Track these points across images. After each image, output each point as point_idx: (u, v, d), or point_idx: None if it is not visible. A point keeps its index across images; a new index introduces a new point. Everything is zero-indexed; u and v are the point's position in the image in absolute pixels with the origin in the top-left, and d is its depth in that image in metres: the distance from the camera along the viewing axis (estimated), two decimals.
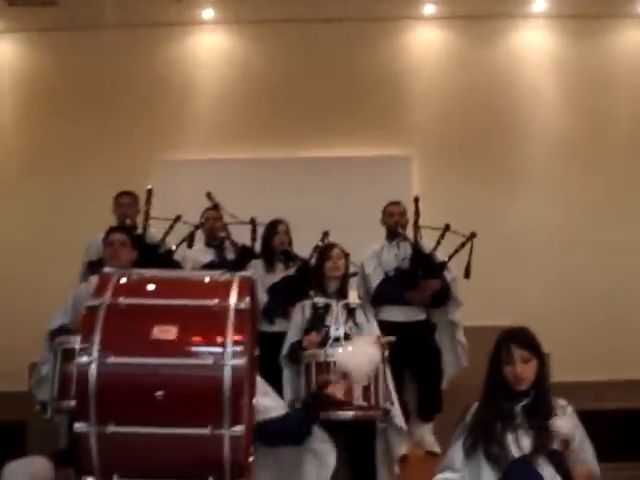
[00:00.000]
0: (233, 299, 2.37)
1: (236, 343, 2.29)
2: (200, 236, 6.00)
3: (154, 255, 5.30)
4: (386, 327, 4.73)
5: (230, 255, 5.83)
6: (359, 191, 7.55)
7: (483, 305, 5.88)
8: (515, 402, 3.00)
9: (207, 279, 2.62)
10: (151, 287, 2.53)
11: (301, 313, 4.61)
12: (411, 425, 5.30)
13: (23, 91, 8.18)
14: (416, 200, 5.73)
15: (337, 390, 3.04)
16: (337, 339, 4.36)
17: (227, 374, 2.25)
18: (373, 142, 7.83)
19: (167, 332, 2.31)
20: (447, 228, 5.53)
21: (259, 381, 2.88)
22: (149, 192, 5.72)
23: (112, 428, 2.26)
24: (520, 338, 3.07)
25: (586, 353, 6.84)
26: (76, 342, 3.75)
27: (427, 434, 5.47)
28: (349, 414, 4.03)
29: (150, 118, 7.87)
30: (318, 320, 4.51)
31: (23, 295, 7.51)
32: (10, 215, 7.83)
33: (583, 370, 6.32)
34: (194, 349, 2.31)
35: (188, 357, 2.29)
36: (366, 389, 4.01)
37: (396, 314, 5.39)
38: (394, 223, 5.66)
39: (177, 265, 5.53)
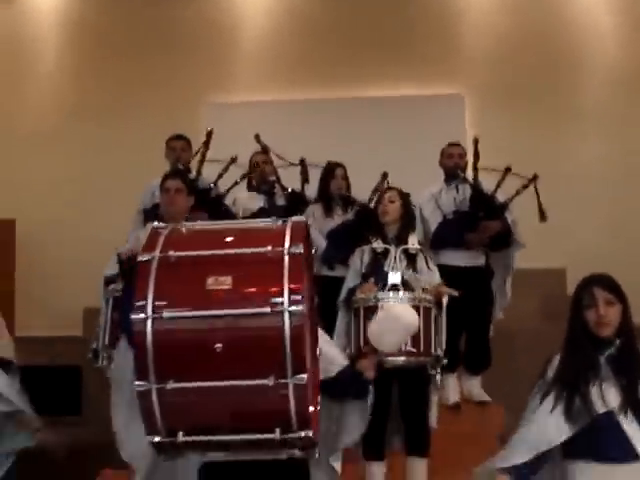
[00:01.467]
0: (287, 244, 2.28)
1: (293, 290, 2.20)
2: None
3: (206, 199, 5.21)
4: (445, 271, 4.64)
5: (280, 201, 5.72)
6: (412, 131, 7.45)
7: (537, 247, 5.72)
8: (600, 351, 2.85)
9: (258, 226, 2.53)
10: (201, 238, 2.45)
11: (360, 258, 4.53)
12: (460, 376, 5.25)
13: (68, 36, 8.16)
14: (476, 141, 5.54)
15: (366, 367, 2.96)
16: (394, 286, 4.25)
17: (286, 321, 2.17)
18: (425, 80, 7.67)
19: (221, 282, 2.22)
20: (508, 170, 5.36)
21: (320, 331, 2.80)
22: (209, 134, 5.60)
23: (172, 384, 2.19)
24: (603, 281, 2.90)
25: None
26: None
27: (475, 387, 5.42)
28: (400, 360, 4.00)
29: (198, 60, 7.82)
30: (376, 265, 4.41)
31: (74, 242, 7.58)
32: (58, 162, 7.89)
33: None
34: (250, 298, 2.22)
35: (244, 306, 2.20)
36: (415, 336, 3.93)
37: (455, 258, 5.28)
38: (454, 165, 5.50)
39: (228, 210, 5.45)
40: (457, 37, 7.85)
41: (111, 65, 7.89)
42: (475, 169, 5.47)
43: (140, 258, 2.28)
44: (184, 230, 2.43)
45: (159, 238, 2.34)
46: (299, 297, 2.19)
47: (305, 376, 2.19)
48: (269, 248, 2.26)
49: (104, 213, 7.45)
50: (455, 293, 4.29)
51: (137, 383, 2.21)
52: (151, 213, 5.26)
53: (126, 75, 7.83)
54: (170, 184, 4.29)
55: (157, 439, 2.27)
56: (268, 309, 2.17)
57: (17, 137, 8.03)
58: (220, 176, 5.51)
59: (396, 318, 3.02)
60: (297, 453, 2.36)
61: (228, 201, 5.58)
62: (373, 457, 4.29)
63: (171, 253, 2.27)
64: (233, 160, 5.57)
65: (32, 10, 8.26)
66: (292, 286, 2.20)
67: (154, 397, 2.21)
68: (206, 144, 5.59)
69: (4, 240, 7.70)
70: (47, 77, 8.16)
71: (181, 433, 2.26)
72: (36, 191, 7.84)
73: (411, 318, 3.11)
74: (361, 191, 5.51)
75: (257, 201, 5.69)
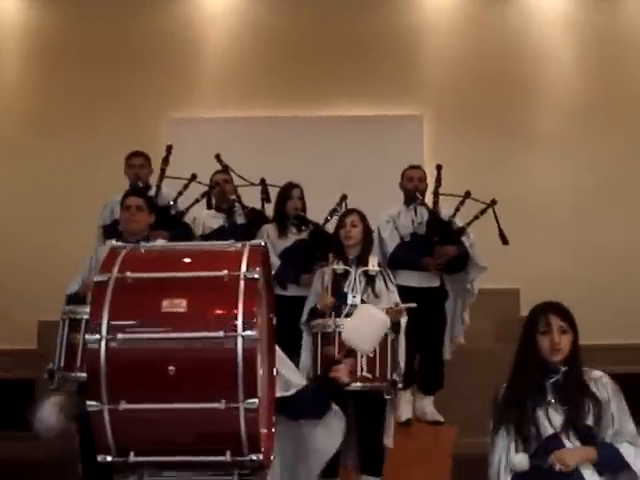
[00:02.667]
0: (244, 269, 2.30)
1: (247, 314, 2.22)
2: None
3: (165, 217, 5.22)
4: (400, 292, 4.72)
5: (240, 219, 5.74)
6: (371, 151, 7.49)
7: (491, 268, 5.82)
8: (546, 378, 2.95)
9: (216, 249, 2.56)
10: (159, 260, 2.47)
11: (321, 279, 4.59)
12: (413, 394, 5.31)
13: (29, 47, 8.06)
14: (438, 168, 5.65)
15: (341, 374, 2.99)
16: (354, 307, 4.31)
17: (239, 345, 2.19)
18: (384, 101, 7.73)
19: (176, 305, 2.24)
20: (467, 195, 5.50)
21: (279, 352, 2.82)
22: (168, 149, 5.61)
23: (124, 405, 2.21)
24: (559, 309, 3.00)
25: (603, 316, 6.79)
26: (84, 312, 3.76)
27: (428, 406, 5.48)
28: (356, 385, 4.03)
29: (160, 75, 7.79)
30: (337, 287, 4.45)
31: (30, 255, 7.49)
32: (14, 175, 7.76)
33: (600, 334, 6.28)
34: (204, 321, 2.24)
35: (199, 330, 2.22)
36: (371, 360, 3.98)
37: (410, 279, 5.34)
38: (413, 187, 5.59)
39: (188, 228, 5.46)
40: (417, 58, 7.91)
41: (71, 78, 7.80)
42: (436, 194, 5.56)
43: (97, 279, 2.30)
44: (142, 251, 2.45)
45: (117, 259, 2.35)
46: (252, 321, 2.22)
47: (256, 400, 2.20)
48: (225, 272, 2.28)
49: (62, 227, 7.34)
50: (413, 305, 4.35)
51: (89, 403, 2.22)
52: (110, 229, 5.27)
53: (86, 89, 7.75)
54: (131, 201, 4.31)
55: (109, 458, 2.28)
56: (221, 333, 2.19)
57: None
58: (180, 194, 5.53)
59: (371, 316, 3.06)
60: (247, 474, 2.36)
61: (188, 219, 5.58)
62: (327, 474, 4.32)
63: (128, 274, 2.29)
64: (193, 178, 5.59)
65: None
66: (246, 310, 2.22)
67: (106, 417, 2.22)
68: (165, 160, 5.60)
69: None
70: (5, 89, 8.07)
71: (132, 453, 2.27)
72: None
73: (384, 317, 3.15)
74: (319, 210, 5.56)
75: (217, 219, 5.71)
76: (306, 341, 4.50)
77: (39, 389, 7.22)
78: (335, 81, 7.65)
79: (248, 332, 2.20)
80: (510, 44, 7.87)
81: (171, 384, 2.20)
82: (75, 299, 4.13)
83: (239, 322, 2.20)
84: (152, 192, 5.48)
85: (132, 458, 2.27)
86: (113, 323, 2.23)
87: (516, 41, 7.88)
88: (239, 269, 2.29)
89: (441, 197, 5.58)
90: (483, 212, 5.44)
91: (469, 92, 7.72)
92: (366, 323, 2.99)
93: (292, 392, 2.88)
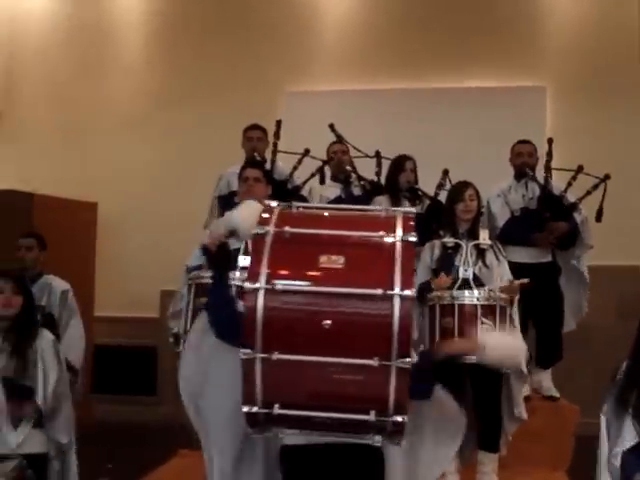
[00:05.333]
0: (399, 232, 2.30)
1: (405, 275, 2.22)
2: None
3: (282, 190, 5.29)
4: (511, 268, 4.60)
5: (356, 191, 5.76)
6: (490, 124, 7.35)
7: (610, 246, 5.65)
8: None
9: (367, 213, 2.56)
10: (314, 218, 2.48)
11: (430, 253, 4.54)
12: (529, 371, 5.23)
13: (151, 26, 8.34)
14: (549, 142, 5.53)
15: (454, 346, 2.94)
16: (466, 281, 4.29)
17: (396, 304, 2.19)
18: (507, 72, 7.57)
19: (334, 261, 2.25)
20: (580, 169, 5.36)
21: None
22: (278, 124, 5.69)
23: (277, 356, 2.22)
24: None
25: None
26: (209, 277, 3.84)
27: (545, 380, 5.38)
28: (473, 357, 3.98)
29: (277, 48, 7.88)
30: (447, 260, 4.43)
31: (153, 226, 7.77)
32: (138, 147, 8.09)
33: None
34: (362, 278, 2.24)
35: (356, 286, 2.22)
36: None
37: (521, 255, 5.24)
38: (522, 163, 5.49)
39: (304, 200, 5.50)
40: (541, 28, 7.73)
41: (191, 56, 8.04)
42: (547, 169, 5.44)
43: (255, 231, 2.32)
44: (294, 210, 2.47)
45: (273, 214, 2.38)
46: (410, 282, 2.21)
47: (409, 360, 2.20)
48: (382, 233, 2.30)
49: (182, 198, 7.61)
50: (526, 280, 4.28)
51: (242, 351, 2.23)
52: (226, 200, 5.38)
53: (206, 65, 7.98)
54: (249, 173, 4.37)
55: (254, 409, 2.29)
56: (379, 291, 2.19)
57: (100, 123, 8.25)
58: (295, 168, 5.59)
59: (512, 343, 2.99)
60: (380, 440, 2.36)
61: (304, 192, 5.63)
62: None
63: (286, 229, 2.31)
64: (306, 152, 5.64)
65: (115, 2, 8.50)
66: (404, 271, 2.22)
67: (258, 366, 2.24)
68: (276, 134, 5.67)
69: (86, 222, 7.95)
70: (130, 66, 8.37)
71: (277, 405, 2.28)
72: (118, 175, 8.05)
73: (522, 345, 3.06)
74: (430, 182, 5.52)
75: (334, 189, 5.75)
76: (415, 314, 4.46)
77: (161, 355, 7.56)
78: (451, 53, 7.56)
79: (406, 291, 2.19)
80: (635, 12, 7.56)
81: (325, 338, 2.21)
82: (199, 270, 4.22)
83: (397, 281, 2.20)
84: (267, 166, 5.56)
85: (276, 410, 2.28)
86: (271, 273, 2.24)
87: None
88: (395, 232, 2.30)
89: (555, 171, 5.46)
90: (596, 187, 5.31)
91: (593, 64, 7.47)
92: (507, 346, 2.92)
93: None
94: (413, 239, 2.28)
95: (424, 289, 4.35)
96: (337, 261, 2.25)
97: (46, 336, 3.73)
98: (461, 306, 4.15)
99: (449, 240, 4.51)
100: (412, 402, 2.56)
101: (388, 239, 2.28)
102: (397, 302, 2.18)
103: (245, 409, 2.29)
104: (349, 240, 2.32)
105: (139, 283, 7.61)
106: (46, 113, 8.42)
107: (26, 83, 8.56)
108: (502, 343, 2.87)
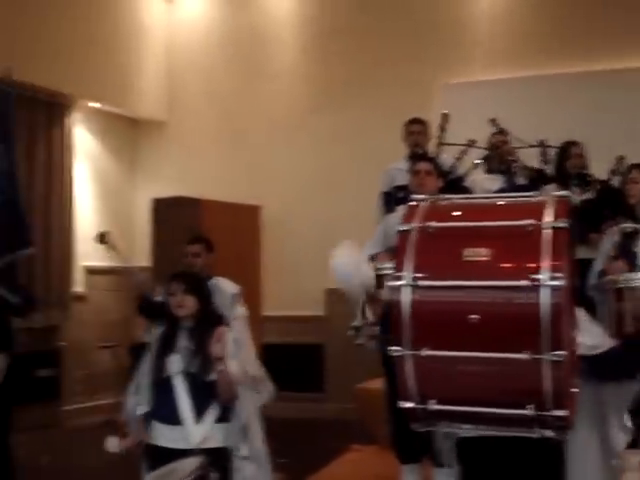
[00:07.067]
0: (549, 218, 2.23)
1: (554, 264, 2.14)
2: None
3: (446, 182, 5.23)
4: None
5: (520, 180, 5.60)
6: None
7: None
8: None
9: (517, 200, 2.50)
10: (459, 211, 2.46)
11: (611, 241, 4.36)
12: None
13: (309, 30, 8.47)
14: None
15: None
16: None
17: (544, 296, 2.12)
18: None
19: (478, 254, 2.23)
20: None
21: (582, 316, 2.69)
22: (444, 117, 5.63)
23: (427, 352, 2.23)
24: None
25: None
26: (385, 269, 3.87)
27: None
28: None
29: (432, 41, 7.81)
30: (625, 246, 4.23)
31: (315, 226, 7.88)
32: (300, 149, 8.24)
33: None
34: (508, 270, 2.21)
35: (502, 279, 2.18)
36: None
37: None
38: None
39: (468, 192, 5.42)
40: None
41: (342, 56, 8.12)
42: None
43: (399, 228, 2.34)
44: (443, 203, 2.47)
45: (417, 210, 2.40)
46: (560, 272, 2.13)
47: (563, 353, 2.13)
48: (529, 221, 2.23)
49: (344, 197, 7.71)
50: None
51: (393, 348, 2.25)
52: (390, 195, 5.39)
53: (358, 63, 8.05)
54: (420, 166, 4.39)
55: (410, 405, 2.30)
56: (527, 282, 2.14)
57: (262, 128, 8.48)
58: (458, 159, 5.51)
59: None
60: (549, 434, 2.29)
61: (466, 183, 5.55)
62: None
63: (429, 224, 2.31)
64: (471, 143, 5.55)
65: (271, 8, 8.70)
66: (553, 260, 2.15)
67: (408, 362, 2.25)
68: (442, 127, 5.60)
69: (251, 225, 8.20)
70: (289, 74, 8.54)
71: (433, 401, 2.28)
72: (280, 178, 8.25)
73: None
74: (600, 170, 5.30)
75: (496, 182, 5.62)
76: (599, 304, 4.28)
77: (328, 352, 7.65)
78: (619, 33, 7.22)
79: (555, 282, 2.12)
80: None
81: (473, 333, 2.19)
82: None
83: (545, 271, 2.14)
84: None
85: (432, 406, 2.28)
86: (417, 270, 2.25)
87: None
88: (544, 218, 2.23)
89: None
90: None
91: None
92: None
93: (596, 352, 2.74)
94: (563, 225, 2.19)
95: (602, 276, 4.17)
96: (481, 254, 2.22)
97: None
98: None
99: (628, 226, 4.31)
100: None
101: (536, 226, 2.21)
102: (546, 293, 2.12)
103: (400, 405, 2.31)
104: (494, 231, 2.28)
105: (304, 283, 7.74)
106: (208, 121, 8.74)
107: (187, 93, 8.91)
108: None
